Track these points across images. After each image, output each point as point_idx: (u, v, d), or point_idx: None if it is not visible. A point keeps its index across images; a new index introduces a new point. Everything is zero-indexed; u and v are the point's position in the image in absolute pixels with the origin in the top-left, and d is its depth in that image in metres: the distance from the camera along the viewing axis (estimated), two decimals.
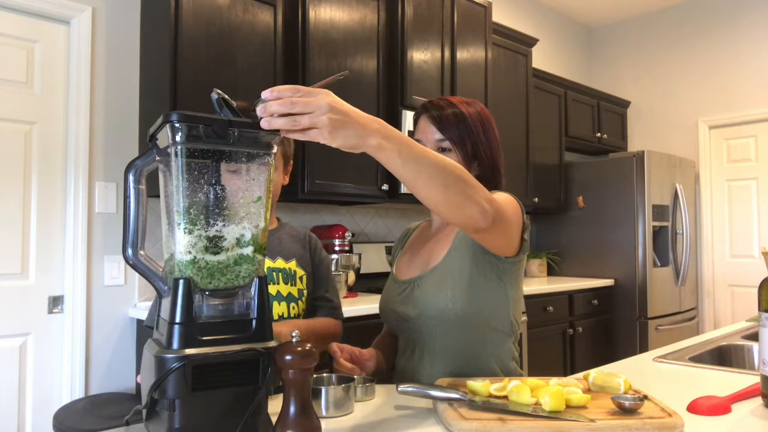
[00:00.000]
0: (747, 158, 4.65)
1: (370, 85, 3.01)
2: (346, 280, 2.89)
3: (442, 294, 1.25)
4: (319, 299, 1.55)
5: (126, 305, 2.57)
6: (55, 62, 2.45)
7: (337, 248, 2.93)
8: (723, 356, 1.74)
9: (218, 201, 0.86)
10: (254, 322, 0.87)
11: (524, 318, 3.37)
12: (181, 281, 0.83)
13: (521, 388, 0.98)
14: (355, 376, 1.17)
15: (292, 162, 1.58)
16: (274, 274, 1.45)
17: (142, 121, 2.60)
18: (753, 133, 4.62)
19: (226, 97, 0.87)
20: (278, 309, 1.43)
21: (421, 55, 3.18)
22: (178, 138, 0.82)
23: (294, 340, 0.86)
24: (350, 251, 2.99)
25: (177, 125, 0.81)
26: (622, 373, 1.08)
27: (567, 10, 5.13)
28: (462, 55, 3.42)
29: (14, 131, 2.34)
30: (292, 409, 0.85)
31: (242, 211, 0.88)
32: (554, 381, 1.05)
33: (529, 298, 3.42)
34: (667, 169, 4.38)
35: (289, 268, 1.49)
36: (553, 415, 0.91)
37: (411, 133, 1.37)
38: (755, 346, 1.75)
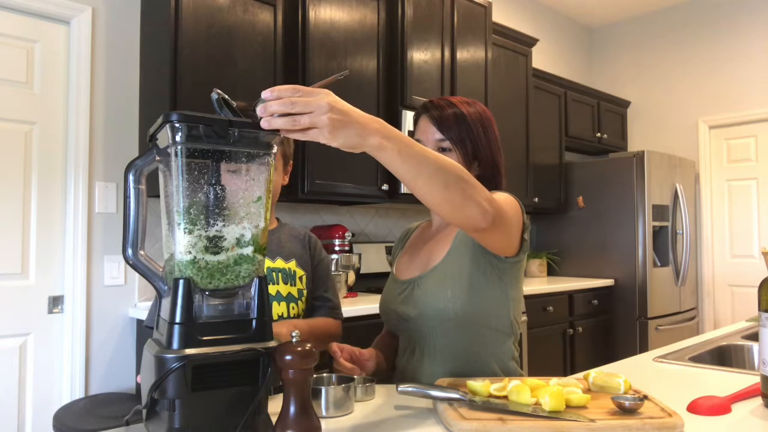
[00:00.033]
0: (747, 158, 4.65)
1: (370, 85, 3.01)
2: (346, 280, 2.89)
3: (443, 294, 1.25)
4: (318, 299, 1.55)
5: (126, 305, 2.57)
6: (55, 62, 2.45)
7: (337, 248, 2.93)
8: (723, 356, 1.74)
9: (218, 201, 0.86)
10: (254, 322, 0.87)
11: (524, 318, 3.37)
12: (181, 281, 0.83)
13: (521, 388, 0.98)
14: (355, 376, 1.17)
15: (291, 162, 1.58)
16: (274, 274, 1.45)
17: (142, 121, 2.60)
18: (753, 133, 4.62)
19: (226, 97, 0.87)
20: (278, 309, 1.43)
21: (421, 55, 3.19)
22: (178, 138, 0.82)
23: (294, 340, 0.86)
24: (350, 251, 2.99)
25: (177, 125, 0.81)
26: (622, 373, 1.08)
27: (567, 10, 5.13)
28: (462, 55, 3.42)
29: (14, 131, 2.34)
30: (292, 409, 0.85)
31: (242, 211, 0.88)
32: (554, 381, 1.05)
33: (529, 298, 3.42)
34: (667, 169, 4.38)
35: (289, 268, 1.49)
36: (553, 415, 0.91)
37: (411, 133, 1.37)
38: (755, 346, 1.75)
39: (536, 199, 4.12)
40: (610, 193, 4.29)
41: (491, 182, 1.33)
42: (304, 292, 1.51)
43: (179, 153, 0.82)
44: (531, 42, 4.12)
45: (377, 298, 1.93)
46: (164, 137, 0.85)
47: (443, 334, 1.27)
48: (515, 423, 0.89)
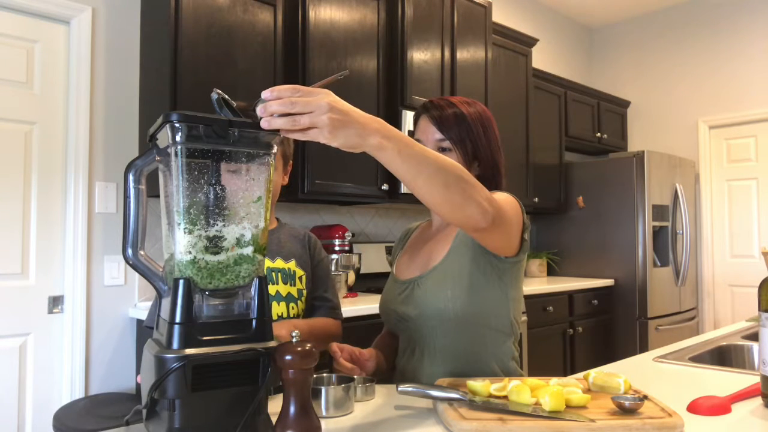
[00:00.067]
0: (747, 158, 4.65)
1: (370, 85, 3.01)
2: (346, 280, 2.89)
3: (443, 294, 1.25)
4: (318, 299, 1.55)
5: (126, 305, 2.57)
6: (55, 62, 2.45)
7: (337, 248, 2.93)
8: (723, 356, 1.74)
9: (218, 201, 0.86)
10: (254, 322, 0.87)
11: (524, 318, 3.37)
12: (181, 281, 0.83)
13: (521, 388, 0.98)
14: (355, 376, 1.17)
15: (291, 162, 1.58)
16: (274, 274, 1.45)
17: (142, 121, 2.60)
18: (753, 133, 4.62)
19: (226, 97, 0.87)
20: (277, 309, 1.43)
21: (421, 55, 3.19)
22: (178, 138, 0.82)
23: (294, 340, 0.86)
24: (350, 251, 2.99)
25: (177, 125, 0.81)
26: (622, 373, 1.08)
27: (567, 10, 5.13)
28: (462, 55, 3.42)
29: (14, 131, 2.34)
30: (292, 409, 0.85)
31: (242, 211, 0.88)
32: (554, 381, 1.05)
33: (529, 298, 3.42)
34: (667, 169, 4.38)
35: (289, 268, 1.49)
36: (553, 415, 0.91)
37: (411, 133, 1.37)
38: (755, 346, 1.75)
39: (536, 199, 4.12)
40: (610, 193, 4.29)
41: (491, 182, 1.33)
42: (304, 292, 1.51)
43: (179, 153, 0.82)
44: (531, 42, 4.12)
45: (377, 298, 1.93)
46: (164, 137, 0.85)
47: (443, 334, 1.27)
48: (515, 423, 0.89)
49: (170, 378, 0.78)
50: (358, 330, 2.19)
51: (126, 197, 0.89)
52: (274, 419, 0.86)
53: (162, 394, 0.79)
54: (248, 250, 0.87)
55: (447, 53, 3.33)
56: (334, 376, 1.17)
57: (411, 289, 1.31)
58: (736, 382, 1.25)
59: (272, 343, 0.86)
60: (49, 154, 2.43)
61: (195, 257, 0.83)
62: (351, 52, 2.93)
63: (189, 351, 0.80)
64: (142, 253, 0.90)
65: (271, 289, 1.43)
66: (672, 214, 4.39)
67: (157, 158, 0.88)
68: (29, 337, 2.35)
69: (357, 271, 3.03)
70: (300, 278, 1.50)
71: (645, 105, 5.17)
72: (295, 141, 1.75)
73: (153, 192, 0.95)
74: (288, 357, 0.83)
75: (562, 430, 0.88)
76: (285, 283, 1.46)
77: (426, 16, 3.22)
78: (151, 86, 2.55)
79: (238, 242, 0.86)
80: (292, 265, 1.50)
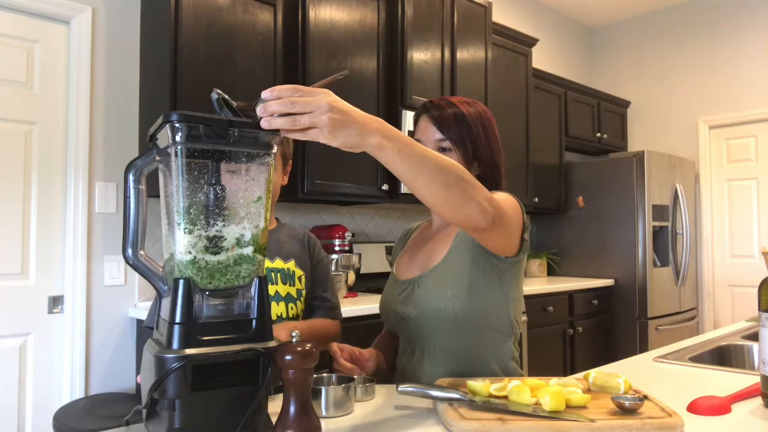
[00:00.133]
0: (747, 158, 4.65)
1: (370, 85, 3.01)
2: (346, 280, 2.89)
3: (443, 294, 1.25)
4: (317, 299, 1.55)
5: (126, 305, 2.57)
6: (55, 62, 2.45)
7: (337, 248, 2.93)
8: (723, 356, 1.74)
9: (218, 201, 0.86)
10: (254, 322, 0.87)
11: (524, 318, 3.37)
12: (181, 281, 0.82)
13: (521, 388, 0.98)
14: (355, 376, 1.17)
15: (291, 162, 1.58)
16: (273, 274, 1.45)
17: (142, 121, 2.60)
18: (753, 133, 4.62)
19: (226, 97, 0.87)
20: (277, 309, 1.43)
21: (421, 55, 3.19)
22: (178, 138, 0.82)
23: (294, 340, 0.86)
24: (350, 251, 2.99)
25: (177, 125, 0.81)
26: (622, 373, 1.08)
27: (567, 10, 5.13)
28: (462, 55, 3.42)
29: (14, 131, 2.34)
30: (292, 409, 0.85)
31: (242, 211, 0.88)
32: (554, 381, 1.05)
33: (529, 298, 3.42)
34: (667, 169, 4.38)
35: (288, 269, 1.49)
36: (553, 415, 0.91)
37: (411, 133, 1.37)
38: (755, 346, 1.75)
39: (536, 199, 4.12)
40: (610, 193, 4.29)
41: (491, 182, 1.33)
42: (303, 292, 1.51)
43: (179, 153, 0.82)
44: (531, 42, 4.12)
45: (377, 298, 1.93)
46: (164, 137, 0.85)
47: (443, 334, 1.27)
48: (515, 423, 0.89)
49: (170, 378, 0.78)
50: (358, 330, 2.19)
51: (126, 197, 0.89)
52: (274, 419, 0.86)
53: (162, 394, 0.79)
54: (248, 250, 0.87)
55: (447, 53, 3.33)
56: (334, 376, 1.17)
57: (411, 289, 1.31)
58: (736, 382, 1.25)
59: (272, 343, 0.86)
60: (49, 154, 2.43)
61: (195, 257, 0.83)
62: (351, 52, 2.93)
63: (189, 351, 0.80)
64: (142, 253, 0.90)
65: (271, 290, 1.43)
66: (672, 214, 4.39)
67: (157, 158, 0.88)
68: (29, 337, 2.35)
69: (357, 271, 3.03)
70: (299, 278, 1.50)
71: (645, 105, 5.17)
72: (295, 141, 1.75)
73: (153, 192, 0.95)
74: (288, 357, 0.83)
75: (562, 430, 0.88)
76: (284, 284, 1.46)
77: (426, 16, 3.22)
78: (151, 86, 2.55)
79: (238, 242, 0.86)
80: (291, 265, 1.50)
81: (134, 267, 0.90)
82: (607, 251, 4.30)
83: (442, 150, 1.31)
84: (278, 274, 1.46)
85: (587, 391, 1.05)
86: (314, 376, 1.01)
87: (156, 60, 2.50)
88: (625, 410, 0.93)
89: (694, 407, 1.05)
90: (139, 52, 2.64)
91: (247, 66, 2.60)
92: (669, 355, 1.58)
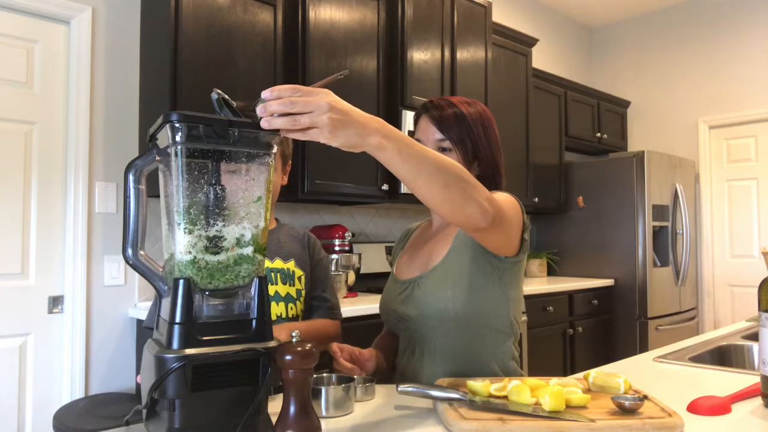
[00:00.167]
0: (747, 158, 4.65)
1: (370, 85, 3.01)
2: (346, 280, 2.89)
3: (443, 294, 1.25)
4: (316, 299, 1.55)
5: (126, 305, 2.57)
6: (55, 62, 2.45)
7: (337, 248, 2.93)
8: (723, 356, 1.74)
9: (218, 201, 0.86)
10: (254, 322, 0.87)
11: (524, 318, 3.37)
12: (181, 281, 0.82)
13: (521, 388, 0.98)
14: (355, 376, 1.17)
15: (290, 162, 1.58)
16: (273, 274, 1.45)
17: (142, 121, 2.60)
18: (753, 133, 4.62)
19: (226, 97, 0.87)
20: (276, 309, 1.43)
21: (421, 55, 3.19)
22: (178, 138, 0.82)
23: (294, 340, 0.86)
24: (350, 251, 2.99)
25: (177, 125, 0.81)
26: (622, 373, 1.08)
27: (567, 10, 5.13)
28: (462, 55, 3.42)
29: (14, 131, 2.34)
30: (292, 409, 0.85)
31: (242, 211, 0.88)
32: (554, 381, 1.05)
33: (529, 298, 3.42)
34: (667, 169, 4.38)
35: (288, 269, 1.49)
36: (553, 415, 0.91)
37: (411, 133, 1.37)
38: (755, 346, 1.75)
39: (536, 199, 4.12)
40: (610, 193, 4.29)
41: (491, 182, 1.33)
42: (303, 292, 1.51)
43: (179, 153, 0.82)
44: (531, 42, 4.12)
45: (377, 298, 1.93)
46: (164, 137, 0.85)
47: (443, 334, 1.27)
48: (515, 423, 0.89)
49: (170, 378, 0.78)
50: (358, 330, 2.19)
51: (126, 197, 0.89)
52: (274, 419, 0.86)
53: (162, 394, 0.79)
54: (248, 250, 0.87)
55: (447, 53, 3.33)
56: (334, 376, 1.17)
57: (411, 289, 1.31)
58: (736, 382, 1.25)
59: (272, 343, 0.86)
60: (49, 154, 2.43)
61: (195, 257, 0.83)
62: (351, 52, 2.93)
63: (189, 351, 0.80)
64: (142, 253, 0.90)
65: (270, 290, 1.43)
66: (672, 214, 4.39)
67: (157, 158, 0.88)
68: (29, 337, 2.35)
69: (357, 271, 3.03)
70: (299, 278, 1.50)
71: (645, 105, 5.17)
72: (295, 141, 1.75)
73: (153, 192, 0.95)
74: (288, 357, 0.83)
75: (562, 430, 0.88)
76: (284, 284, 1.46)
77: (426, 16, 3.22)
78: (151, 86, 2.55)
79: (238, 242, 0.86)
80: (291, 265, 1.50)
81: (134, 267, 0.90)
82: (607, 251, 4.30)
83: (443, 150, 1.31)
84: (278, 274, 1.46)
85: (587, 391, 1.05)
86: (314, 376, 1.01)
87: (156, 60, 2.50)
88: (625, 410, 0.93)
89: (694, 407, 1.05)
90: (139, 52, 2.64)
91: (247, 66, 2.60)
92: (669, 355, 1.58)
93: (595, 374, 1.09)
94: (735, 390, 1.15)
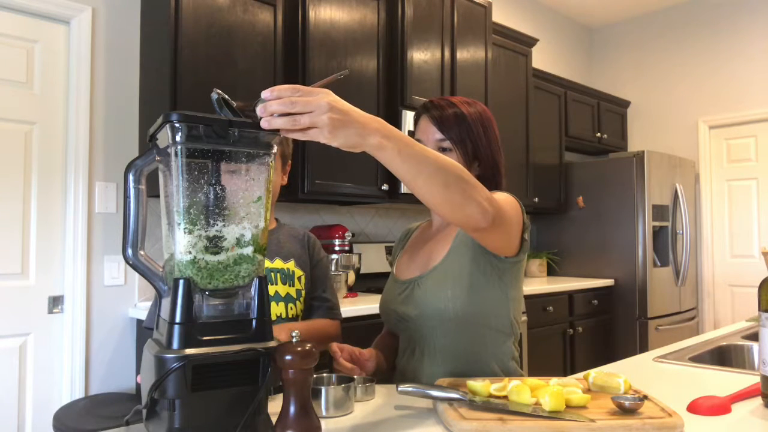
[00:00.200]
0: (747, 158, 4.65)
1: (370, 85, 3.01)
2: (346, 280, 2.89)
3: (443, 294, 1.25)
4: (316, 299, 1.55)
5: (126, 305, 2.57)
6: (55, 62, 2.45)
7: (337, 248, 2.93)
8: (723, 356, 1.74)
9: (218, 201, 0.86)
10: (254, 322, 0.87)
11: (524, 318, 3.37)
12: (181, 281, 0.82)
13: (521, 388, 0.98)
14: (355, 376, 1.17)
15: (290, 162, 1.58)
16: (273, 274, 1.45)
17: (142, 121, 2.60)
18: (753, 133, 4.62)
19: (226, 97, 0.87)
20: (276, 309, 1.43)
21: (421, 55, 3.19)
22: (178, 138, 0.82)
23: (294, 340, 0.86)
24: (350, 251, 2.99)
25: (177, 125, 0.81)
26: (622, 373, 1.08)
27: (567, 10, 5.13)
28: (462, 55, 3.42)
29: (14, 131, 2.34)
30: (292, 409, 0.85)
31: (242, 211, 0.88)
32: (554, 381, 1.05)
33: (529, 298, 3.42)
34: (667, 169, 4.38)
35: (288, 269, 1.49)
36: (553, 415, 0.91)
37: (411, 133, 1.37)
38: (755, 346, 1.75)
39: (536, 199, 4.12)
40: (610, 193, 4.29)
41: (491, 182, 1.33)
42: (303, 292, 1.51)
43: (179, 153, 0.82)
44: (531, 42, 4.12)
45: (377, 298, 1.93)
46: (164, 137, 0.85)
47: (443, 334, 1.27)
48: (515, 423, 0.89)
49: (170, 378, 0.78)
50: (358, 330, 2.19)
51: (126, 197, 0.89)
52: (274, 419, 0.86)
53: (162, 394, 0.79)
54: (248, 250, 0.87)
55: (447, 53, 3.33)
56: (334, 376, 1.17)
57: (411, 289, 1.31)
58: (736, 382, 1.25)
59: (272, 343, 0.86)
60: (49, 154, 2.43)
61: (195, 257, 0.83)
62: (351, 52, 2.93)
63: (189, 351, 0.80)
64: (142, 253, 0.90)
65: (270, 290, 1.43)
66: (672, 214, 4.39)
67: (157, 158, 0.88)
68: (29, 337, 2.35)
69: (357, 271, 3.03)
70: (299, 278, 1.50)
71: (645, 105, 5.17)
72: (295, 141, 1.75)
73: (153, 192, 0.95)
74: (288, 357, 0.83)
75: (562, 430, 0.88)
76: (284, 284, 1.46)
77: (426, 16, 3.22)
78: (151, 86, 2.55)
79: (238, 242, 0.86)
80: (291, 265, 1.50)
81: (134, 267, 0.90)
82: (607, 251, 4.30)
83: (443, 150, 1.31)
84: (278, 275, 1.46)
85: (587, 391, 1.05)
86: (314, 376, 1.01)
87: (156, 60, 2.50)
88: (625, 410, 0.93)
89: (694, 407, 1.05)
90: (139, 52, 2.64)
91: (247, 66, 2.60)
92: (669, 355, 1.58)
93: (595, 374, 1.09)
94: (735, 390, 1.15)
